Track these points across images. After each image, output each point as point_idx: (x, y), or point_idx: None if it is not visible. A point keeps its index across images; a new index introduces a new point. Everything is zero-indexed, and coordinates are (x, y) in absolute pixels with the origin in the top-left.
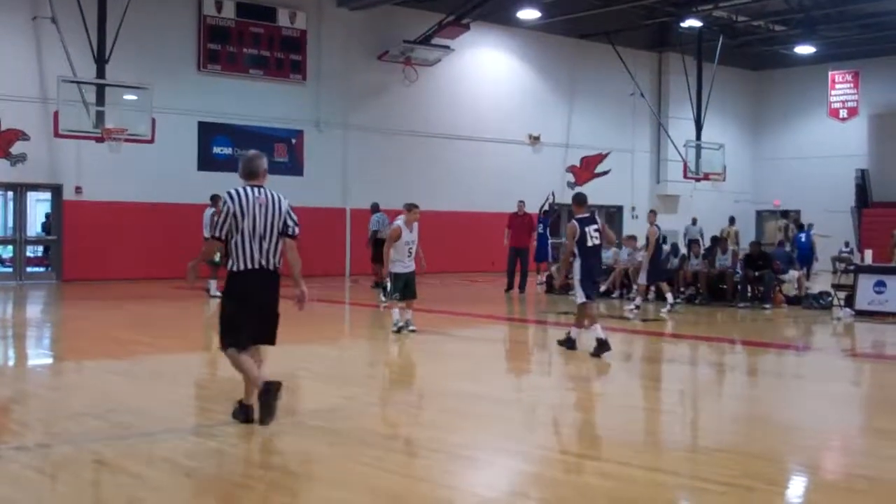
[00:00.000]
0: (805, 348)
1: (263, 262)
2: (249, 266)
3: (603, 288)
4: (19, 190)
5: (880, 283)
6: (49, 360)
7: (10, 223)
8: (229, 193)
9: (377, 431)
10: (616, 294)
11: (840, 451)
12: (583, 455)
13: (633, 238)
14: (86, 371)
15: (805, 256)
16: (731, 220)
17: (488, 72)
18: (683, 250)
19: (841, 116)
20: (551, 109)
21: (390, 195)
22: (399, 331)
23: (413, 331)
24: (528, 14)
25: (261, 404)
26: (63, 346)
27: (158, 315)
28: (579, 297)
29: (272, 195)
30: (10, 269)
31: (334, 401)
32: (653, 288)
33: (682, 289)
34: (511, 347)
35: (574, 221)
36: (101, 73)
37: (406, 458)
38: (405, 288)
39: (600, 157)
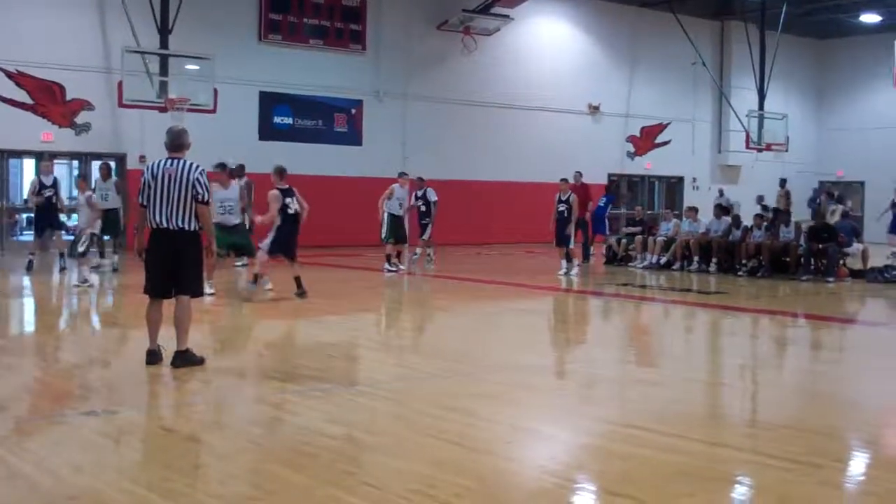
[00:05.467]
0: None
1: (168, 224)
2: (155, 226)
3: (664, 259)
4: (84, 159)
5: None
6: (110, 328)
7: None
8: (147, 165)
9: (438, 402)
10: (677, 266)
11: None
12: (644, 428)
13: (694, 209)
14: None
15: None
16: (782, 183)
17: (548, 41)
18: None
19: None
20: (611, 79)
21: (449, 165)
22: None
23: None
24: None
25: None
26: (124, 314)
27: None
28: (264, 248)
29: (182, 165)
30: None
31: (394, 370)
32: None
33: (743, 261)
34: (569, 319)
35: (276, 190)
36: (164, 43)
37: (468, 429)
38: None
39: (660, 128)
